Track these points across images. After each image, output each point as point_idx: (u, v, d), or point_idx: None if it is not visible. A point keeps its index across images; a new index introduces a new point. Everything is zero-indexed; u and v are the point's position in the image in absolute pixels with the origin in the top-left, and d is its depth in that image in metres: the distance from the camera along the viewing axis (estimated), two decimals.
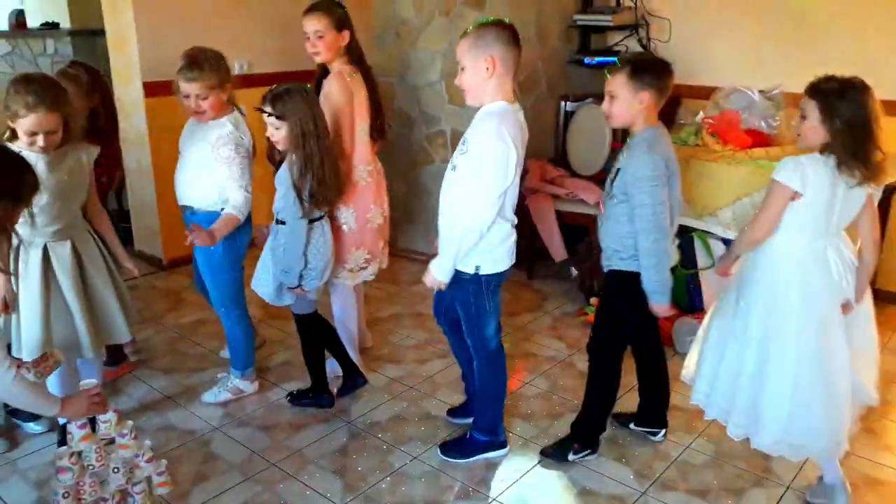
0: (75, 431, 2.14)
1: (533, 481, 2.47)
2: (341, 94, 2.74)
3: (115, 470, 2.22)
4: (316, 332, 2.84)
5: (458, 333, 2.51)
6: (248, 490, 2.41)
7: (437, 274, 2.30)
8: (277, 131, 2.50)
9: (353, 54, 2.82)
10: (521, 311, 2.86)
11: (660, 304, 2.31)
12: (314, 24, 2.72)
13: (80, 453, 2.16)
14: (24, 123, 2.20)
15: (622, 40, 4.44)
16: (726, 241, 3.52)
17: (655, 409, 2.68)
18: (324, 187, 2.54)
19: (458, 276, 2.32)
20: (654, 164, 2.22)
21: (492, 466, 2.53)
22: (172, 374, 3.10)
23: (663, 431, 2.68)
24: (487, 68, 2.16)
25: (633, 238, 2.29)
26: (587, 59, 4.24)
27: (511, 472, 2.51)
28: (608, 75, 2.32)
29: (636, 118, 2.28)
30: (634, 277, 2.31)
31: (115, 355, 3.09)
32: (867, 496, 2.39)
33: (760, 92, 3.83)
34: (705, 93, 4.02)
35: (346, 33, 2.77)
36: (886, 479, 2.48)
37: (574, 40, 4.45)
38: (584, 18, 4.31)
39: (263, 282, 2.70)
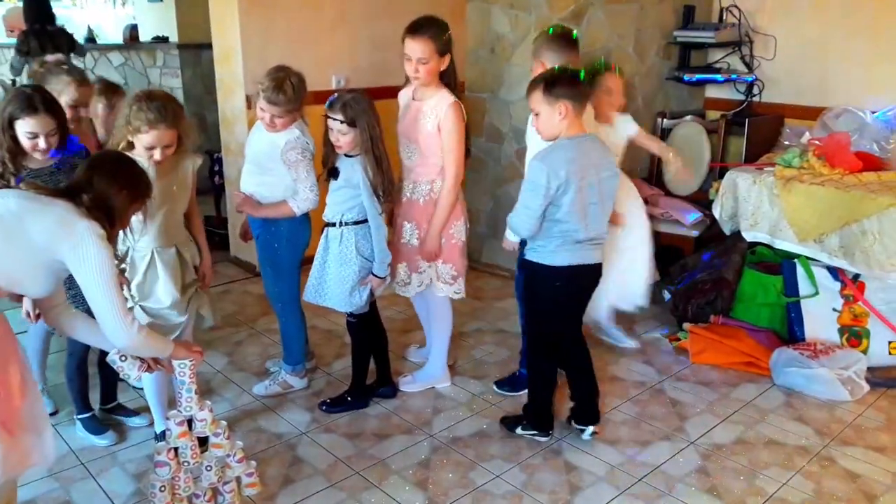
0: (174, 428, 2.22)
1: None
2: (460, 126, 2.77)
3: (208, 468, 2.30)
4: (369, 333, 2.94)
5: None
6: (332, 496, 2.43)
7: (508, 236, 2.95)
8: (344, 136, 2.61)
9: (449, 77, 2.82)
10: None
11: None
12: (419, 51, 2.68)
13: (177, 449, 2.24)
14: (145, 139, 2.33)
15: (724, 57, 4.31)
16: (831, 269, 3.34)
17: (586, 404, 2.77)
18: (391, 185, 2.73)
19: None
20: (538, 171, 2.38)
21: (576, 490, 2.47)
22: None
23: (591, 429, 2.75)
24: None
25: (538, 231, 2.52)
26: (686, 77, 4.13)
27: (595, 498, 2.45)
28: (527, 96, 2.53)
29: (560, 129, 2.43)
30: (543, 269, 2.52)
31: None
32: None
33: (873, 113, 3.64)
34: (812, 113, 3.86)
35: (447, 57, 2.77)
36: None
37: (673, 56, 4.34)
38: (684, 35, 4.21)
39: (328, 292, 2.79)
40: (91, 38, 6.72)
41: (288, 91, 2.68)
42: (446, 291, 2.97)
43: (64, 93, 2.66)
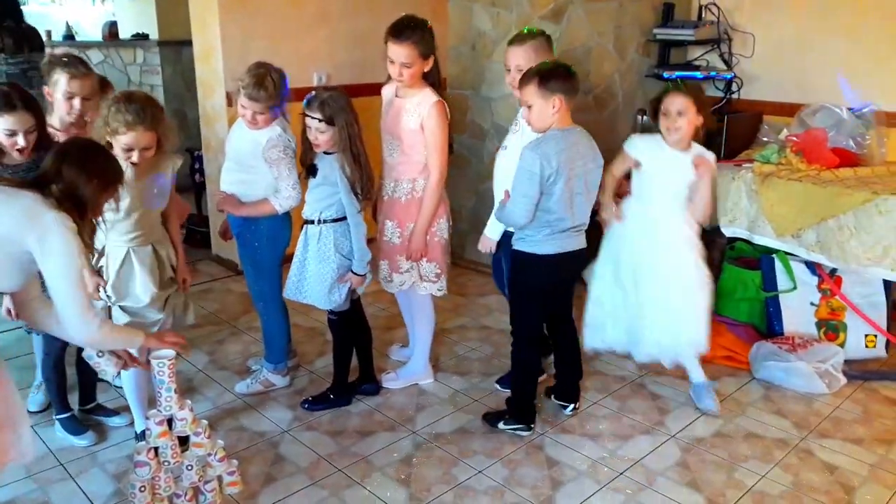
0: (154, 427, 2.22)
1: (600, 500, 2.41)
2: (444, 124, 2.77)
3: (189, 467, 2.29)
4: (350, 331, 2.94)
5: None
6: (314, 494, 2.43)
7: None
8: (322, 134, 2.61)
9: (433, 76, 2.83)
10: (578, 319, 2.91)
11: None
12: (403, 55, 2.68)
13: (157, 449, 2.23)
14: (123, 140, 2.30)
15: (703, 55, 4.34)
16: (809, 264, 3.38)
17: (570, 384, 2.93)
18: (370, 183, 2.73)
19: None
20: (532, 160, 2.46)
21: (558, 485, 2.49)
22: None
23: (572, 406, 2.92)
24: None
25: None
26: (666, 74, 4.15)
27: (576, 493, 2.46)
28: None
29: (552, 122, 2.50)
30: (531, 258, 2.61)
31: None
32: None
33: (849, 110, 3.68)
34: (790, 110, 3.88)
35: (431, 59, 2.77)
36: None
37: (653, 54, 4.37)
38: (664, 32, 4.23)
39: (308, 289, 2.78)
40: (70, 35, 6.65)
41: (269, 87, 2.67)
42: (430, 290, 2.97)
43: (58, 84, 2.60)
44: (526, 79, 2.51)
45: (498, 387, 3.11)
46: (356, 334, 2.99)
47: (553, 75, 2.48)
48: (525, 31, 2.83)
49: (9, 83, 2.80)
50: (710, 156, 2.79)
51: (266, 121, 2.75)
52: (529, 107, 2.51)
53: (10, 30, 4.87)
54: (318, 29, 4.36)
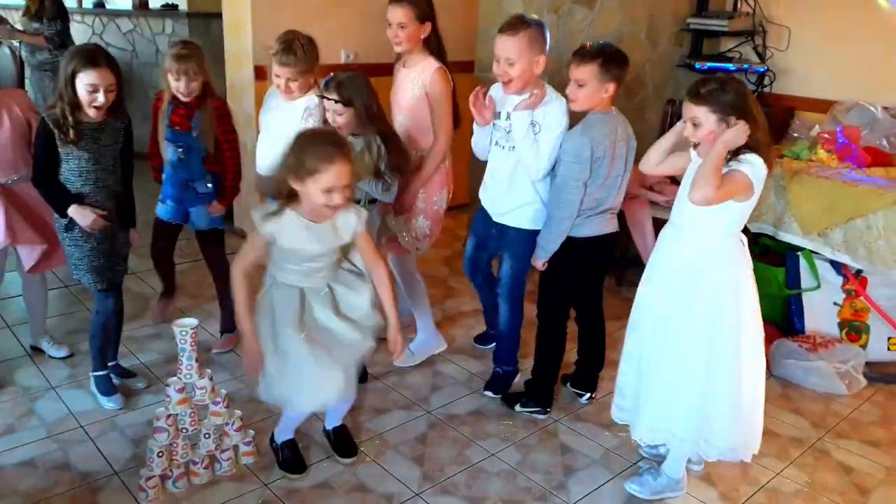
0: (173, 395, 2.24)
1: (612, 489, 2.42)
2: (448, 89, 2.79)
3: (206, 435, 2.32)
4: None
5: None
6: (329, 468, 2.45)
7: None
8: (340, 117, 2.59)
9: (432, 45, 2.83)
10: (609, 317, 2.87)
11: (540, 259, 2.64)
12: (398, 16, 2.74)
13: (175, 416, 2.26)
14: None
15: (736, 46, 4.28)
16: (834, 263, 3.34)
17: (589, 374, 2.91)
18: (405, 162, 2.71)
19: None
20: (583, 144, 2.43)
21: (570, 472, 2.49)
22: None
23: (589, 395, 2.90)
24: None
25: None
26: (698, 65, 4.10)
27: (589, 480, 2.47)
28: (573, 66, 2.46)
29: (599, 105, 2.47)
30: (567, 241, 2.56)
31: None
32: None
33: (885, 108, 3.61)
34: (823, 106, 3.83)
35: (429, 25, 2.79)
36: None
37: (686, 44, 4.31)
38: (697, 22, 4.18)
39: None
40: (100, 3, 6.67)
41: (298, 51, 2.69)
42: (411, 245, 2.95)
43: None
44: (586, 57, 2.43)
45: (477, 345, 3.26)
46: None
47: (615, 60, 2.43)
48: (517, 18, 2.54)
49: (93, 43, 2.91)
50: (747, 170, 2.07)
51: (300, 87, 2.75)
52: (581, 85, 2.44)
53: None
54: (347, 6, 4.34)
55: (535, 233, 2.65)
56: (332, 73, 2.66)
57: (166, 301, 3.33)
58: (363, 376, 2.99)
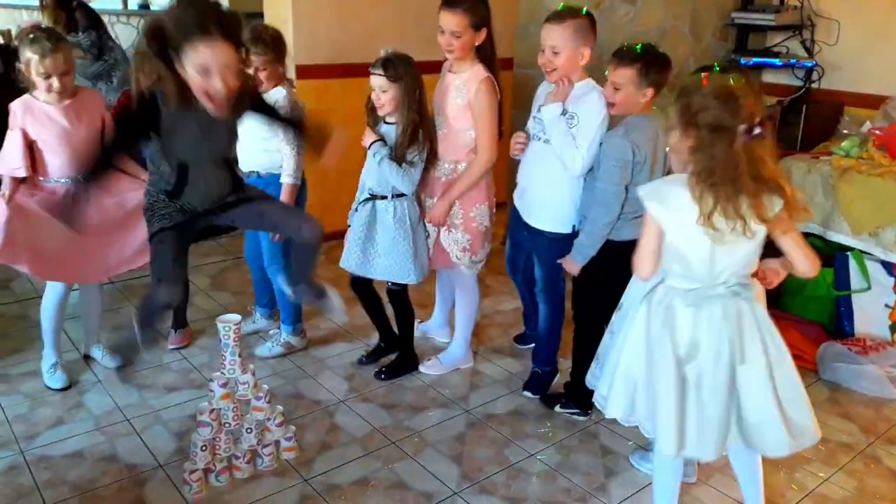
0: (217, 389, 2.27)
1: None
2: (493, 103, 2.71)
3: (248, 430, 2.35)
4: (408, 302, 2.98)
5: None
6: (368, 465, 2.46)
7: None
8: (385, 94, 2.61)
9: (485, 53, 2.74)
10: None
11: (576, 263, 2.56)
12: (452, 24, 2.62)
13: (219, 410, 2.29)
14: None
15: (783, 41, 4.18)
16: (886, 264, 3.24)
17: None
18: (433, 154, 2.74)
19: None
20: (624, 148, 2.38)
21: (611, 474, 2.46)
22: (307, 347, 3.23)
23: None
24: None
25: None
26: (743, 60, 4.02)
27: (631, 483, 2.43)
28: (610, 68, 2.43)
29: (636, 109, 2.42)
30: (604, 245, 2.50)
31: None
32: None
33: None
34: (874, 102, 3.72)
35: (484, 31, 2.69)
36: None
37: (731, 39, 4.23)
38: (743, 16, 4.09)
39: (385, 264, 2.78)
40: (145, 5, 6.80)
41: (266, 39, 2.74)
42: (460, 260, 2.86)
43: (31, 63, 2.58)
44: (625, 59, 2.39)
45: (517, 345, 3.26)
46: (376, 305, 3.05)
47: (656, 64, 2.38)
48: (561, 7, 2.54)
49: None
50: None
51: (268, 77, 2.78)
52: (617, 89, 2.41)
53: (85, 8, 4.98)
54: (387, 3, 4.35)
55: (564, 237, 2.61)
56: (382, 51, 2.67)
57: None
58: (413, 362, 3.04)
